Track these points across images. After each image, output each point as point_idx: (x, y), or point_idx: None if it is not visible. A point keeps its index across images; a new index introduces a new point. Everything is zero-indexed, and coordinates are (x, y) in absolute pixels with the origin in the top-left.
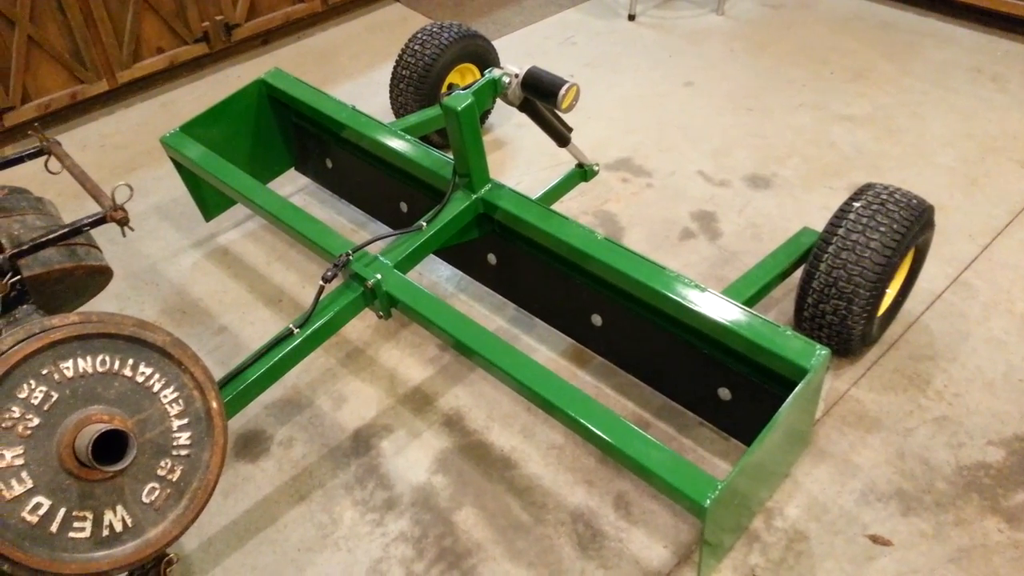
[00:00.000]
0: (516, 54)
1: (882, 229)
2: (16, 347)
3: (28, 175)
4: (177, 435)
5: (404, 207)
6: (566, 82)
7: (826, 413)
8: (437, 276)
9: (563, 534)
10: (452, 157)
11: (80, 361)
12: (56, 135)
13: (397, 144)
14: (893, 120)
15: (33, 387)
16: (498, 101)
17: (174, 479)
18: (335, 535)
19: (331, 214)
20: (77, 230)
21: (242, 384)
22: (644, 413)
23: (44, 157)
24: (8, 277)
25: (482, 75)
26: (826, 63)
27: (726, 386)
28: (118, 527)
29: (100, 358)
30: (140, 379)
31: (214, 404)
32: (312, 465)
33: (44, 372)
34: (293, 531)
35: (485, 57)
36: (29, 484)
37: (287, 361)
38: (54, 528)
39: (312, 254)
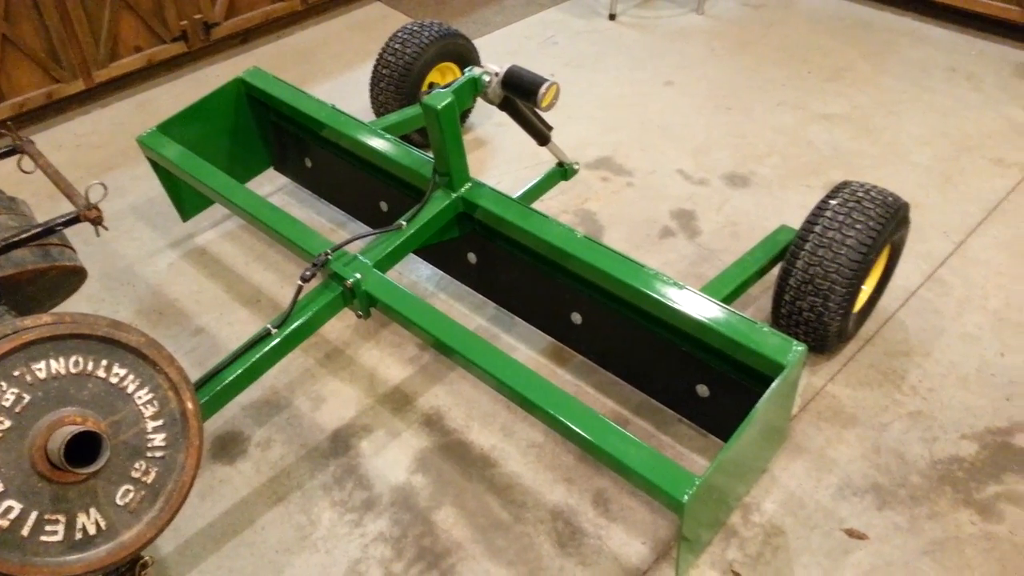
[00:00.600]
0: (497, 53)
1: (858, 226)
2: None
3: (2, 175)
4: (152, 436)
5: (384, 206)
6: (546, 80)
7: (803, 409)
8: (417, 275)
9: (542, 532)
10: (432, 156)
11: (53, 362)
12: (32, 135)
13: (377, 143)
14: (870, 119)
15: (4, 389)
16: (479, 100)
17: (149, 481)
18: (313, 536)
19: (310, 214)
20: (50, 230)
21: (219, 385)
22: (623, 410)
23: (17, 156)
24: None
25: (462, 74)
26: (805, 62)
27: (704, 383)
28: (91, 530)
29: (73, 359)
30: (114, 380)
31: (189, 405)
32: (290, 466)
33: (16, 374)
34: (271, 532)
35: (466, 56)
36: (0, 488)
37: (265, 362)
38: (25, 532)
39: (291, 254)
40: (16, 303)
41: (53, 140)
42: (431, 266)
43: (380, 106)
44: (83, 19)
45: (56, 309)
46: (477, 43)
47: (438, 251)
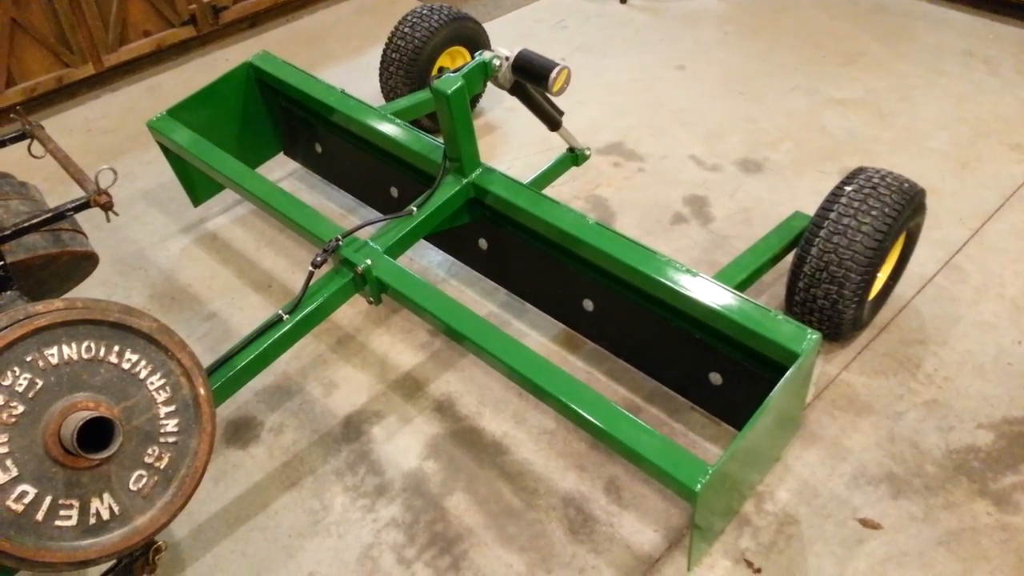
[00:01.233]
0: (507, 37)
1: (873, 213)
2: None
3: (12, 160)
4: (164, 422)
5: (394, 192)
6: (557, 65)
7: (817, 397)
8: (427, 261)
9: (554, 519)
10: (443, 141)
11: (65, 348)
12: (42, 119)
13: (387, 128)
14: (885, 104)
15: (17, 374)
16: (489, 84)
17: (162, 466)
18: (326, 521)
19: (320, 199)
20: (60, 215)
21: (231, 370)
22: (635, 398)
23: (27, 141)
24: None
25: (473, 58)
26: (819, 47)
27: (717, 371)
28: (105, 515)
29: (85, 345)
30: (126, 366)
31: (201, 391)
32: (303, 451)
33: (28, 359)
34: (284, 517)
35: (476, 40)
36: (14, 472)
37: (277, 347)
38: (40, 516)
39: (302, 239)
40: (28, 288)
41: (64, 125)
42: (442, 252)
43: (390, 91)
44: (92, 3)
45: (68, 294)
46: (487, 27)
47: (449, 237)
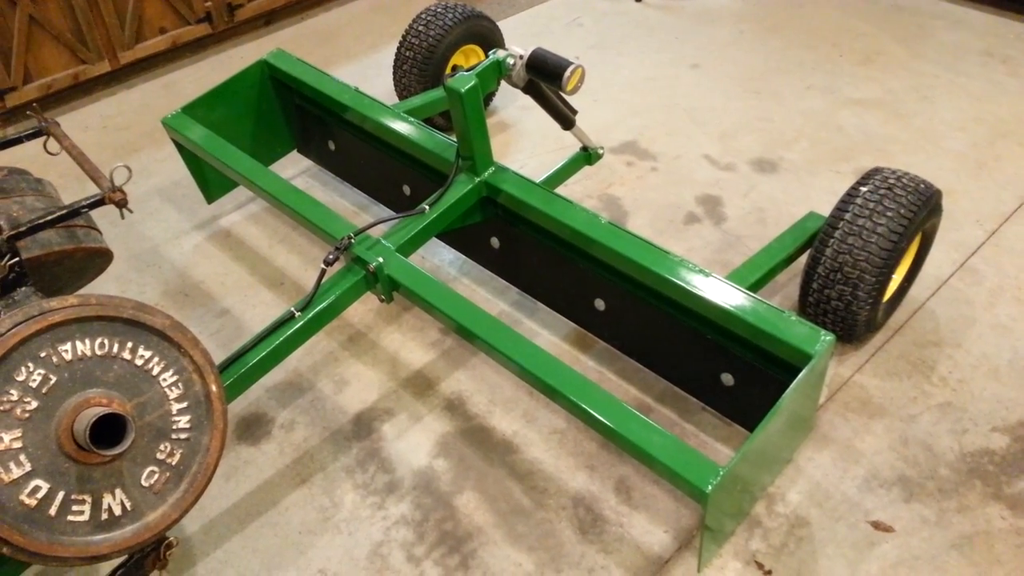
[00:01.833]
0: (521, 35)
1: (889, 214)
2: (14, 329)
3: (29, 156)
4: (176, 418)
5: (407, 190)
6: (571, 64)
7: (829, 399)
8: (439, 260)
9: (564, 518)
10: (455, 140)
11: (79, 344)
12: (58, 116)
13: (400, 126)
14: (902, 104)
15: (31, 370)
16: (502, 83)
17: (173, 463)
18: (336, 518)
19: (333, 197)
20: (76, 212)
21: (243, 367)
22: (646, 398)
23: (43, 138)
24: (7, 259)
25: (486, 57)
26: (836, 46)
27: (729, 371)
28: (117, 510)
29: (99, 341)
30: (139, 362)
31: (213, 387)
32: (313, 448)
33: (42, 355)
34: (294, 514)
35: (490, 38)
36: (27, 467)
37: (288, 344)
38: (53, 511)
39: (314, 237)
40: (42, 284)
41: (80, 121)
42: (453, 250)
43: (403, 89)
44: (109, 0)
45: (82, 291)
46: (501, 25)
47: (461, 235)
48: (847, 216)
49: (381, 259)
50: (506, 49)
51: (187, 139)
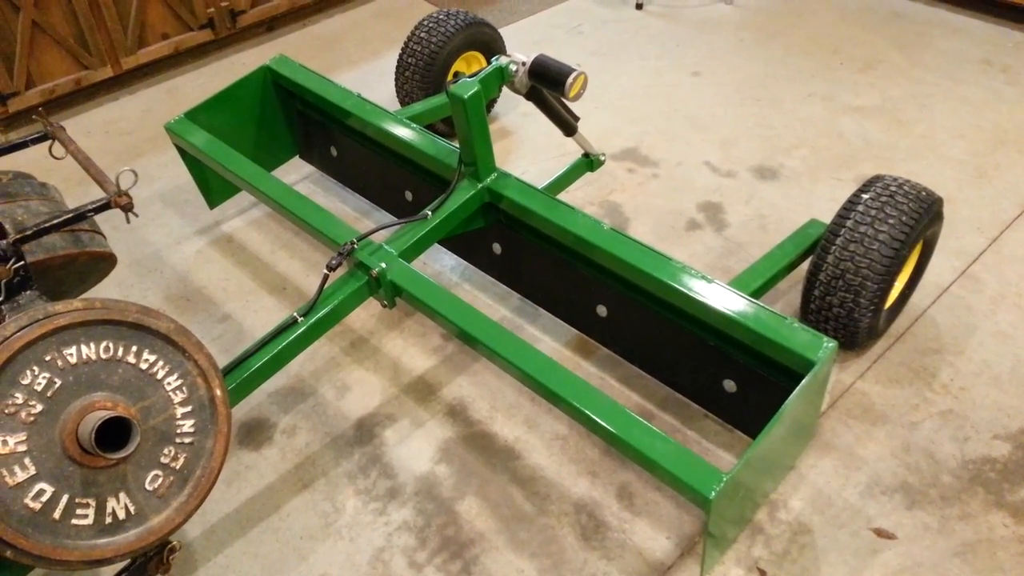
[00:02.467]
0: (522, 42)
1: (891, 221)
2: (19, 333)
3: (32, 160)
4: (181, 423)
5: (409, 196)
6: (574, 70)
7: (831, 406)
8: (441, 265)
9: (566, 525)
10: (458, 146)
11: (83, 348)
12: (60, 121)
13: (403, 132)
14: (902, 111)
15: (36, 373)
16: (504, 89)
17: (177, 467)
18: (338, 524)
19: (335, 202)
20: (81, 216)
21: (246, 372)
22: (648, 405)
23: (48, 142)
24: (12, 262)
25: (488, 63)
26: (836, 53)
27: (731, 378)
28: (121, 514)
29: (104, 345)
30: (144, 366)
31: (218, 392)
32: (315, 454)
33: (47, 358)
34: (296, 519)
35: (491, 45)
36: (32, 471)
37: (291, 349)
38: (57, 515)
39: (316, 242)
40: (47, 288)
41: (82, 126)
42: (456, 256)
43: (405, 95)
44: (111, 6)
45: (86, 295)
46: (503, 32)
47: (463, 241)
48: (849, 223)
49: (384, 264)
50: (509, 56)
51: (190, 144)
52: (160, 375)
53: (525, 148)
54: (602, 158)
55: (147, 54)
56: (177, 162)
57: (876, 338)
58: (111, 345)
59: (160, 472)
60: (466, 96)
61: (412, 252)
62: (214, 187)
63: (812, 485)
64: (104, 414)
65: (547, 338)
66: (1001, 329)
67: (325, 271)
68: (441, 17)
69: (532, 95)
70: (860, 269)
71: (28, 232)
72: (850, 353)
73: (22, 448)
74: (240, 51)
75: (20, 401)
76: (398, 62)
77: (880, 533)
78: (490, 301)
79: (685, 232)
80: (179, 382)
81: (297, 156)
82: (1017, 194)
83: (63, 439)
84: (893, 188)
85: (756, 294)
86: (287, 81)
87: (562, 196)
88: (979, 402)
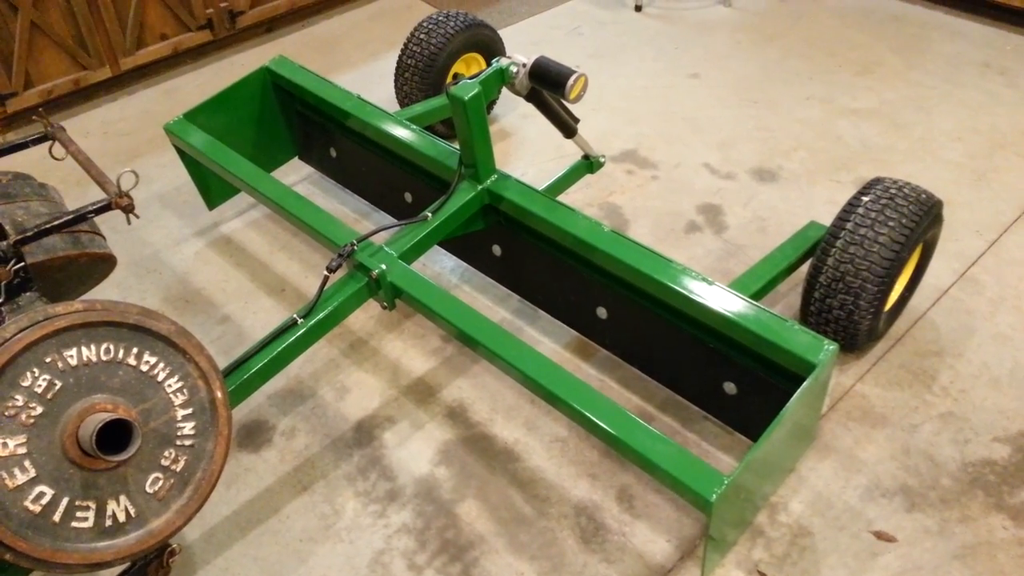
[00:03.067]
0: (522, 44)
1: (891, 224)
2: (19, 335)
3: (31, 161)
4: (181, 425)
5: (409, 197)
6: (575, 72)
7: (831, 408)
8: (441, 267)
9: (566, 527)
10: (458, 147)
11: (84, 349)
12: (59, 121)
13: (402, 134)
14: (900, 114)
15: (36, 375)
16: (503, 91)
17: (178, 469)
18: (337, 526)
19: (335, 204)
20: (81, 217)
21: (245, 374)
22: (648, 407)
23: (48, 143)
24: (11, 264)
25: (487, 65)
26: (834, 56)
27: (732, 380)
28: (121, 517)
29: (104, 346)
30: (144, 368)
31: (219, 394)
32: (314, 456)
33: (47, 360)
34: (295, 522)
35: (491, 47)
36: (32, 473)
37: (291, 351)
38: (57, 517)
39: (316, 244)
40: (47, 289)
41: (80, 127)
42: (455, 258)
43: (405, 96)
44: (110, 6)
45: (85, 296)
46: (502, 33)
47: (463, 243)
48: (849, 225)
49: (384, 266)
50: (509, 57)
51: (189, 145)
52: (161, 377)
53: (525, 150)
54: (602, 160)
55: (146, 55)
56: (176, 163)
57: (876, 340)
58: (112, 347)
59: (160, 474)
60: (466, 98)
61: (412, 254)
62: (213, 188)
63: (812, 488)
64: (105, 416)
65: (547, 340)
66: (1000, 331)
67: (325, 273)
68: (441, 18)
69: (532, 97)
70: (860, 271)
71: (28, 233)
72: (850, 355)
73: (22, 450)
74: (239, 52)
75: (20, 403)
76: (398, 63)
77: (880, 536)
78: (490, 303)
79: (684, 234)
80: (180, 384)
81: (296, 157)
82: (1016, 197)
83: (63, 441)
84: (893, 190)
85: (756, 296)
86: (286, 82)
87: (562, 198)
88: (979, 404)
